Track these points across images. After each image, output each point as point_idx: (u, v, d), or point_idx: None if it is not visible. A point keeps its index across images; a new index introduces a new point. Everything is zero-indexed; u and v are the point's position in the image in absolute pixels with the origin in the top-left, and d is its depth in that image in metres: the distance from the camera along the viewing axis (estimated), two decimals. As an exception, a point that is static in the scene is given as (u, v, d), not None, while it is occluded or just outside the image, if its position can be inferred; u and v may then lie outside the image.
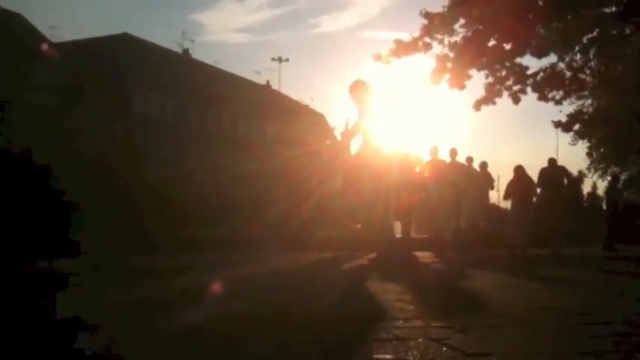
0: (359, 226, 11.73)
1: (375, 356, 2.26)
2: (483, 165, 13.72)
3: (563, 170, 13.36)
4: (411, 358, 2.24)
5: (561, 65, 16.25)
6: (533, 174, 12.98)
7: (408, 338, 2.62)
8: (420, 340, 2.59)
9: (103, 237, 7.40)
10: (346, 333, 2.77)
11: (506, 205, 14.49)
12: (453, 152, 12.98)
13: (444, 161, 12.74)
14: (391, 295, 4.57)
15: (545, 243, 12.70)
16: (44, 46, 26.06)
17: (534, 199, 13.18)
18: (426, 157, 12.54)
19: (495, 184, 14.49)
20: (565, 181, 13.37)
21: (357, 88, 8.14)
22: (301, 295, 4.38)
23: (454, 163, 12.92)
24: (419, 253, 9.82)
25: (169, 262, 6.75)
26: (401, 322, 3.14)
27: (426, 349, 2.41)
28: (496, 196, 27.28)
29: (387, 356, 2.26)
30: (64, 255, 5.85)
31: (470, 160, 13.47)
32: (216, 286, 4.64)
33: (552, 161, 13.13)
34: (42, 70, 28.46)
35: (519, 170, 13.11)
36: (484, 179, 13.71)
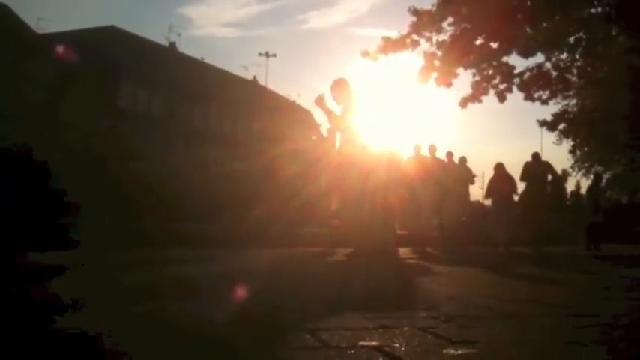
0: (336, 221, 11.76)
1: (361, 343, 2.26)
2: (462, 160, 13.65)
3: (547, 166, 13.17)
4: (397, 345, 2.25)
5: (548, 65, 16.36)
6: (517, 173, 12.94)
7: (393, 327, 2.63)
8: (406, 328, 2.60)
9: (91, 231, 7.38)
10: (332, 323, 2.77)
11: (490, 202, 14.41)
12: (432, 149, 12.98)
13: (426, 157, 12.76)
14: (376, 288, 4.59)
15: (527, 240, 12.63)
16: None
17: (515, 196, 13.12)
18: (409, 155, 12.56)
19: (478, 180, 14.40)
20: (549, 177, 13.22)
21: (338, 86, 8.12)
22: (287, 289, 4.40)
23: (434, 160, 12.93)
24: (400, 250, 9.85)
25: (157, 257, 6.74)
26: (386, 312, 3.15)
27: (411, 336, 2.42)
28: (480, 194, 27.32)
29: (373, 343, 2.27)
30: (61, 248, 5.87)
31: (450, 155, 13.46)
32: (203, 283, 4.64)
33: (536, 156, 12.98)
34: (27, 61, 28.21)
35: (500, 168, 13.02)
36: (464, 174, 13.67)
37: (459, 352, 2.16)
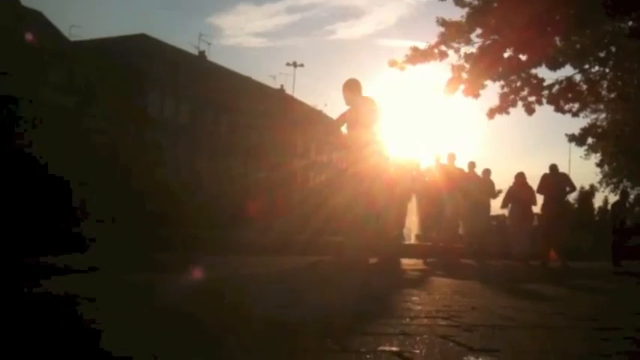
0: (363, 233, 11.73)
1: (381, 348, 2.25)
2: (486, 172, 13.35)
3: (565, 178, 12.68)
4: (417, 351, 2.23)
5: (578, 78, 16.22)
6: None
7: (414, 334, 2.61)
8: (426, 336, 2.58)
9: (114, 234, 7.45)
10: (352, 328, 2.76)
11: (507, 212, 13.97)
12: (451, 157, 12.52)
13: (448, 166, 12.41)
14: (397, 296, 4.56)
15: (547, 255, 12.22)
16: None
17: (534, 206, 12.73)
18: (429, 163, 12.36)
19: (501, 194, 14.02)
20: (567, 189, 12.66)
21: (346, 87, 8.19)
22: (306, 294, 4.39)
23: (456, 169, 12.56)
24: (425, 260, 9.82)
25: (178, 260, 6.78)
26: (407, 319, 3.13)
27: (432, 344, 2.40)
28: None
29: (393, 348, 2.25)
30: (72, 250, 5.92)
31: (472, 165, 13.03)
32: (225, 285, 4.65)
33: (554, 168, 12.52)
34: (59, 68, 28.67)
35: (520, 177, 12.73)
36: (487, 187, 13.33)
37: (480, 359, 2.14)
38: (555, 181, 12.35)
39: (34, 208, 5.58)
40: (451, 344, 2.41)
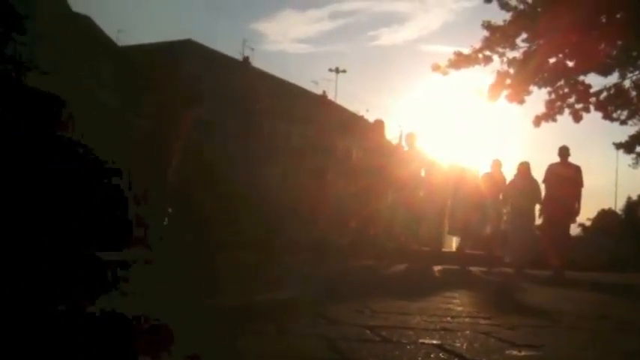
0: (403, 239, 11.53)
1: (422, 340, 2.26)
2: (496, 164, 11.00)
3: (576, 171, 9.78)
4: (458, 344, 2.23)
5: (627, 84, 15.85)
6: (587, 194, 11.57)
7: (455, 330, 2.62)
8: (468, 332, 2.58)
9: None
10: (392, 321, 2.77)
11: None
12: (497, 164, 11.29)
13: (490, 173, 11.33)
14: (442, 298, 4.55)
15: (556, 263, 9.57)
16: None
17: (538, 204, 10.05)
18: (484, 171, 11.59)
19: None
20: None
21: None
22: (352, 291, 4.42)
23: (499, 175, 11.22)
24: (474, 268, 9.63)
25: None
26: (448, 318, 3.13)
27: (473, 339, 2.40)
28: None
29: (434, 341, 2.26)
30: (127, 246, 6.09)
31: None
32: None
33: (564, 153, 9.79)
34: (106, 72, 29.24)
35: (523, 167, 10.40)
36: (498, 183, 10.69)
37: (523, 353, 2.14)
38: (564, 171, 9.84)
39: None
40: (492, 340, 2.41)
